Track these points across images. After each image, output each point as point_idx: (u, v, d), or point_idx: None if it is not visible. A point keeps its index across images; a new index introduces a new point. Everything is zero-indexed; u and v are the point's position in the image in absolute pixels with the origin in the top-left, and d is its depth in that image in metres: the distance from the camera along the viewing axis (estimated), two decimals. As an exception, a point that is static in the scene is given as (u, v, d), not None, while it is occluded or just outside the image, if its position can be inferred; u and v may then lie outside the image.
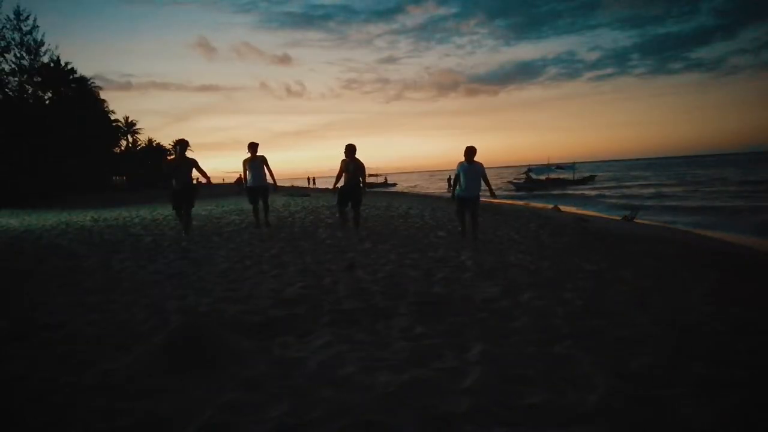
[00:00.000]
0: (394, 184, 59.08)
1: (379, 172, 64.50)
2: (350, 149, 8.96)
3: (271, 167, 9.73)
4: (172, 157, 9.70)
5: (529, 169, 48.08)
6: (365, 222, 10.81)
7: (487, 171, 8.05)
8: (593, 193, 33.92)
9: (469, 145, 7.97)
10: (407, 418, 2.15)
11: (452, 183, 8.23)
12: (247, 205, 14.67)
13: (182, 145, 8.71)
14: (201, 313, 3.92)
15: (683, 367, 2.66)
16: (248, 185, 9.72)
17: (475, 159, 8.01)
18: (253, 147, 9.55)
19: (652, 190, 33.86)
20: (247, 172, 9.62)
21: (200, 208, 16.29)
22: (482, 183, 8.08)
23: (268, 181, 9.77)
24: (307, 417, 2.17)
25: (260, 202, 9.86)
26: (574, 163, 49.64)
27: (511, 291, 4.45)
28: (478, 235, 8.08)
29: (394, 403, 2.28)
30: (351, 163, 9.02)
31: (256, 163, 9.56)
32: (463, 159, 8.01)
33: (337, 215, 9.73)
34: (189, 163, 8.67)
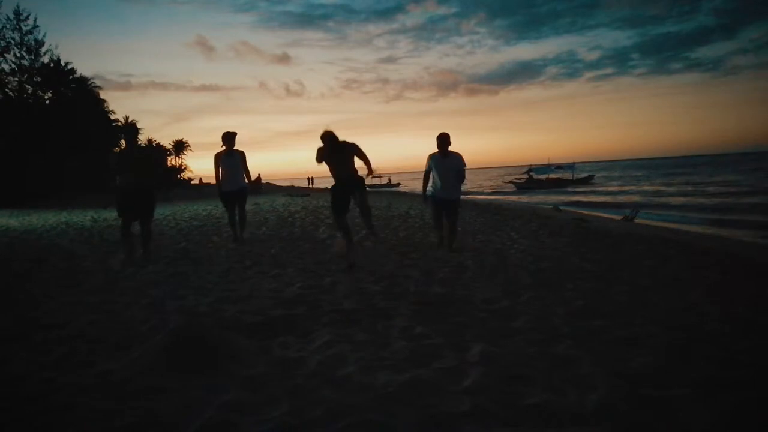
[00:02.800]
0: (398, 184, 59.18)
1: (382, 173, 65.04)
2: (326, 137, 6.17)
3: (248, 166, 7.61)
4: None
5: (530, 169, 48.23)
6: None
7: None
8: (593, 192, 33.95)
9: (443, 131, 6.33)
10: (407, 418, 2.15)
11: (423, 181, 6.65)
12: (245, 205, 14.53)
13: (130, 132, 7.02)
14: (201, 313, 3.92)
15: (683, 367, 2.66)
16: (222, 189, 7.53)
17: (452, 150, 6.39)
18: (228, 138, 7.39)
19: (652, 190, 33.86)
20: (221, 170, 7.44)
21: (200, 208, 16.29)
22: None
23: (245, 183, 7.71)
24: (307, 417, 2.17)
25: (236, 211, 7.78)
26: (573, 163, 49.80)
27: (511, 291, 4.45)
28: (454, 245, 6.64)
29: (394, 403, 2.28)
30: (334, 153, 6.11)
31: (233, 159, 7.43)
32: (435, 150, 6.45)
33: (338, 233, 6.73)
34: (143, 156, 6.66)
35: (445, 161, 6.36)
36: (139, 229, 6.46)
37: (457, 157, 6.38)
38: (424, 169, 6.64)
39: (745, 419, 2.13)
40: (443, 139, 6.36)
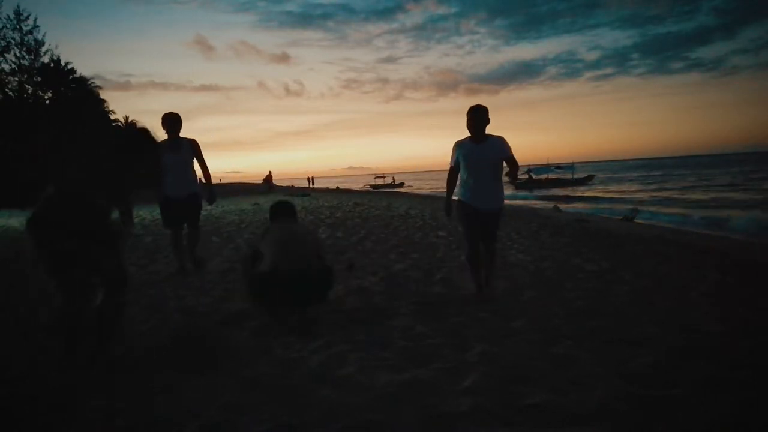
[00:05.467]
0: (402, 184, 59.34)
1: (385, 173, 66.36)
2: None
3: (205, 159, 5.47)
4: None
5: (530, 169, 48.22)
6: (364, 222, 10.79)
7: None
8: (593, 193, 33.97)
9: (477, 104, 4.10)
10: (407, 418, 2.15)
11: (448, 183, 4.43)
12: (245, 204, 14.13)
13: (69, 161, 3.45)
14: (201, 313, 3.92)
15: (683, 367, 2.66)
16: (165, 194, 5.31)
17: (490, 133, 4.14)
18: (170, 123, 5.22)
19: (652, 190, 33.89)
20: (165, 167, 4.90)
21: (200, 208, 16.26)
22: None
23: (200, 186, 5.53)
24: (307, 417, 2.17)
25: (185, 227, 5.53)
26: (573, 163, 49.76)
27: (511, 291, 4.45)
28: (494, 280, 4.43)
29: (394, 403, 2.28)
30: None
31: (177, 153, 5.25)
32: (465, 136, 4.21)
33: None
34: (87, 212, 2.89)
35: (482, 150, 4.11)
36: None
37: (499, 142, 4.13)
38: (449, 165, 4.37)
39: (745, 419, 2.13)
40: (480, 116, 4.05)
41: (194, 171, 5.47)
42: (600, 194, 32.33)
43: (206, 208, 5.66)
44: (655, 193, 31.11)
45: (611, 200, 26.93)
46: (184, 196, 5.35)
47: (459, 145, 4.26)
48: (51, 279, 2.88)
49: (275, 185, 38.48)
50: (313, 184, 59.12)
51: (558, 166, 49.35)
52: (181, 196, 5.34)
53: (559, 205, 19.53)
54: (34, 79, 35.22)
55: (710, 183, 37.57)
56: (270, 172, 37.52)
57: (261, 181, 39.86)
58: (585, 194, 32.55)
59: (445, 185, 4.53)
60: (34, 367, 2.84)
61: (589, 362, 2.73)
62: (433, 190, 41.72)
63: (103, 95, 43.26)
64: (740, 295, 4.32)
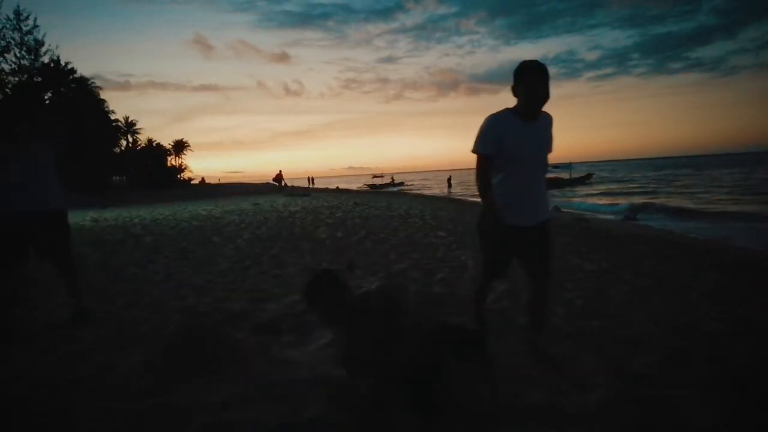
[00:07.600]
0: (402, 183, 59.12)
1: (383, 172, 66.39)
2: None
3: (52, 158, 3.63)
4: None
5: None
6: (364, 222, 10.79)
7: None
8: (592, 192, 33.95)
9: (530, 60, 2.60)
10: (408, 417, 2.15)
11: (483, 178, 2.66)
12: (245, 204, 14.06)
13: None
14: (201, 313, 3.92)
15: (683, 367, 2.66)
16: None
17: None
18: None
19: (652, 191, 33.88)
20: None
21: (200, 208, 16.27)
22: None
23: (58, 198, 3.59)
24: (308, 416, 2.17)
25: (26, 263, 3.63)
26: (571, 162, 49.62)
27: (512, 291, 4.44)
28: (544, 325, 2.99)
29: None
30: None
31: (17, 144, 3.46)
32: (503, 108, 2.69)
33: None
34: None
35: (536, 132, 2.71)
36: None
37: (550, 121, 2.81)
38: (473, 151, 2.72)
39: (745, 419, 2.13)
40: (547, 80, 2.60)
41: (48, 176, 3.56)
42: (600, 194, 32.30)
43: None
44: (655, 193, 31.10)
45: (611, 200, 26.89)
46: (28, 213, 3.39)
47: (499, 122, 2.65)
48: None
49: (286, 184, 38.51)
50: (313, 183, 59.11)
51: (555, 166, 49.22)
52: (20, 214, 3.36)
53: (558, 205, 19.52)
54: (34, 79, 35.22)
55: (710, 183, 37.57)
56: (280, 170, 37.64)
57: (271, 180, 39.85)
58: (584, 194, 32.49)
59: (478, 183, 2.69)
60: (34, 367, 2.84)
61: (589, 362, 2.73)
62: (435, 191, 41.70)
63: (103, 95, 43.30)
64: (740, 295, 4.32)
